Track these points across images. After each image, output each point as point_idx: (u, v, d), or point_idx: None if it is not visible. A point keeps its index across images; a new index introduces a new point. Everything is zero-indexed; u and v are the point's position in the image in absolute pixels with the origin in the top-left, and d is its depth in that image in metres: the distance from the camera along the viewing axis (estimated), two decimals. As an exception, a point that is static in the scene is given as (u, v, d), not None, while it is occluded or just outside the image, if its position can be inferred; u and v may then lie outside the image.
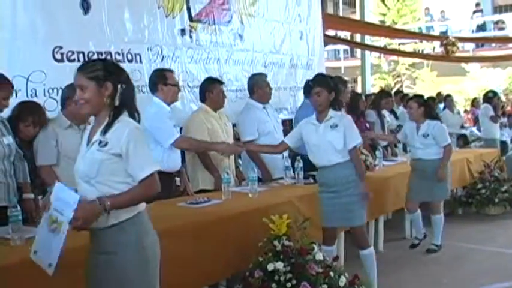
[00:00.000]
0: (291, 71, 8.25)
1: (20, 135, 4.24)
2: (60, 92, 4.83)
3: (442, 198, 6.48)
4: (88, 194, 2.66)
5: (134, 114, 2.80)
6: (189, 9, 6.52)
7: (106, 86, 2.71)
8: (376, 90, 16.18)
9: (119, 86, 2.75)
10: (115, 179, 2.68)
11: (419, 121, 6.19)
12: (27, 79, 4.89)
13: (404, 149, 8.46)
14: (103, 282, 2.71)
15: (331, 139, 4.63)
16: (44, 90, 5.00)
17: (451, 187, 6.73)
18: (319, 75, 5.11)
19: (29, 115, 4.24)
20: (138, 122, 2.80)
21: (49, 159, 4.24)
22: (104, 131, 2.70)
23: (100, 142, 2.68)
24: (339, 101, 4.90)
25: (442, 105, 11.86)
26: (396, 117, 9.03)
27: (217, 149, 5.02)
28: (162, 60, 6.13)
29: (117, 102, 2.75)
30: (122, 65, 2.95)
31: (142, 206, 2.80)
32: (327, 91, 4.70)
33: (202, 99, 5.36)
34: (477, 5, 23.86)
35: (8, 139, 4.02)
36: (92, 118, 2.87)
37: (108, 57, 5.42)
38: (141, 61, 5.86)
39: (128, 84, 2.81)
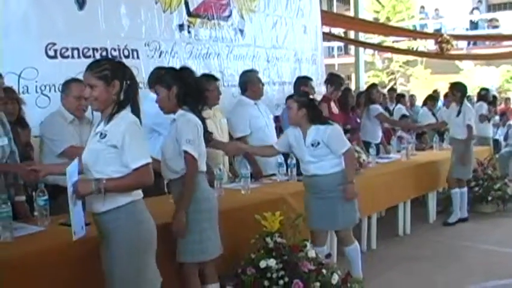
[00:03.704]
0: (296, 65, 8.26)
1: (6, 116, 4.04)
2: (52, 88, 5.00)
3: (350, 224, 4.78)
4: None
5: (137, 108, 3.02)
6: (187, 4, 6.50)
7: (114, 85, 2.95)
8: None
9: (124, 82, 2.98)
10: (111, 168, 2.90)
11: (302, 127, 4.62)
12: (19, 76, 4.88)
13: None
14: (103, 262, 2.99)
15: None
16: (36, 87, 5.00)
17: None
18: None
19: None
20: (138, 116, 3.01)
21: (68, 142, 4.13)
22: (105, 124, 2.95)
23: (101, 134, 2.93)
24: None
25: (439, 103, 11.79)
26: (391, 115, 9.06)
27: (224, 149, 5.13)
28: (160, 55, 6.10)
29: (122, 97, 2.98)
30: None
31: (137, 196, 3.00)
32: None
33: None
34: (479, 1, 23.85)
35: (3, 140, 3.86)
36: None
37: (104, 53, 5.43)
38: (138, 57, 5.82)
39: (132, 80, 3.04)
